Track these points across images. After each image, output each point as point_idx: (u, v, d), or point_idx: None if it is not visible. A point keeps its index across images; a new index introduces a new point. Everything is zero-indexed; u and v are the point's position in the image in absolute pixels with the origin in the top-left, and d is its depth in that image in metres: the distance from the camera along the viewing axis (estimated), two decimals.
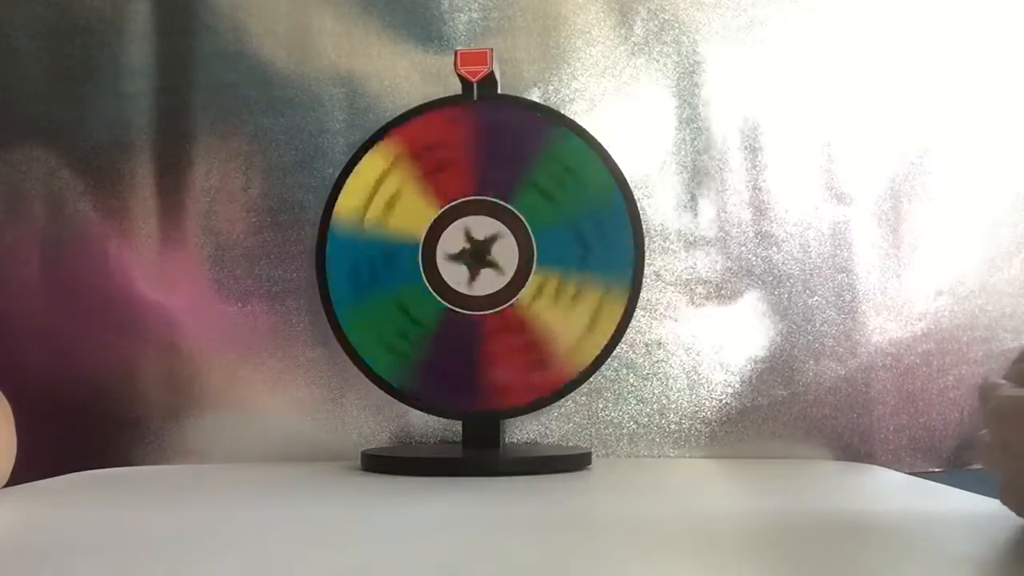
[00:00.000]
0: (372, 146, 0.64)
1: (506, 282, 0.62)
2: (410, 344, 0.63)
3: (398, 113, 0.65)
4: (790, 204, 0.71)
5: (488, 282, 0.62)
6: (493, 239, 0.63)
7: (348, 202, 0.64)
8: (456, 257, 0.63)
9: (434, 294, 0.62)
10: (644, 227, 0.63)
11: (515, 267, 0.62)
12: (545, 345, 0.62)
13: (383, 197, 0.63)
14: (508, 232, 0.62)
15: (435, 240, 0.63)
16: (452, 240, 0.63)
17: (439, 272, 0.63)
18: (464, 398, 0.62)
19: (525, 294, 0.62)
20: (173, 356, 0.71)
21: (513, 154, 0.63)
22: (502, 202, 0.62)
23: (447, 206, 0.63)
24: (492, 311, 0.62)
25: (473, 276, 0.62)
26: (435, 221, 0.63)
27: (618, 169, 0.62)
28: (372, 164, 0.64)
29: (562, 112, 0.67)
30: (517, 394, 0.62)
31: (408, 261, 0.63)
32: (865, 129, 0.72)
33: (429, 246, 0.63)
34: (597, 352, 0.62)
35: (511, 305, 0.62)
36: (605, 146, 0.63)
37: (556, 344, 0.62)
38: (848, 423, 0.70)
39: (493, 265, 0.62)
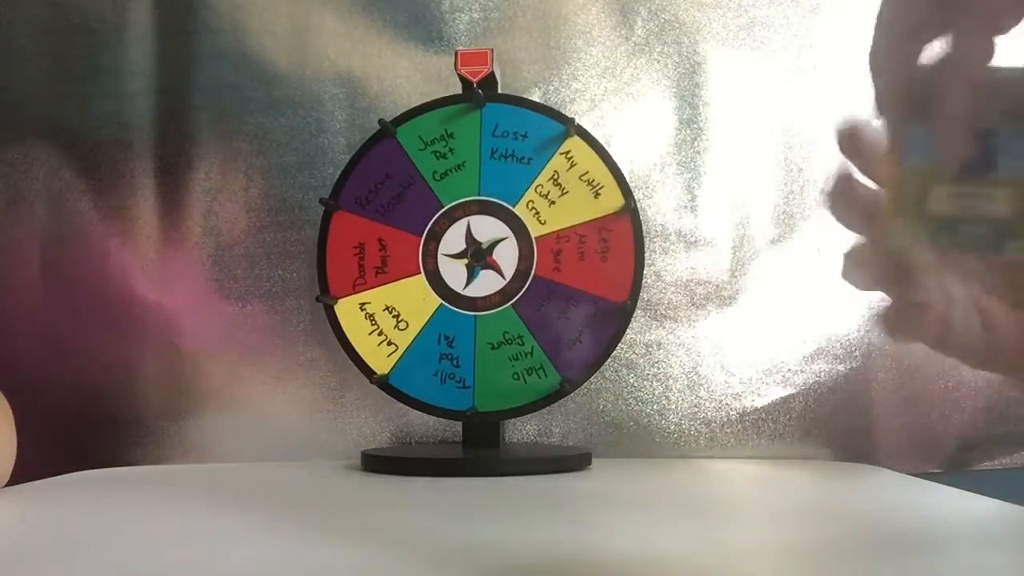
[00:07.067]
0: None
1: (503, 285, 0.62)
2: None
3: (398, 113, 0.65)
4: (790, 204, 0.71)
5: (487, 283, 0.62)
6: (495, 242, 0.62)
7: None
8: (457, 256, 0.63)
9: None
10: (644, 227, 0.63)
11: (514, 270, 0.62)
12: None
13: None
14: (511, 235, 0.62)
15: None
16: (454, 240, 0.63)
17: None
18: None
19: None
20: (173, 356, 0.71)
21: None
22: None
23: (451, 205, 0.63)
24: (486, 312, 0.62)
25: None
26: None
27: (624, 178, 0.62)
28: None
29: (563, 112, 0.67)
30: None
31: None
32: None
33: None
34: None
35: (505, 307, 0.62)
36: (608, 148, 0.63)
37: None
38: (848, 423, 0.70)
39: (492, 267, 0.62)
